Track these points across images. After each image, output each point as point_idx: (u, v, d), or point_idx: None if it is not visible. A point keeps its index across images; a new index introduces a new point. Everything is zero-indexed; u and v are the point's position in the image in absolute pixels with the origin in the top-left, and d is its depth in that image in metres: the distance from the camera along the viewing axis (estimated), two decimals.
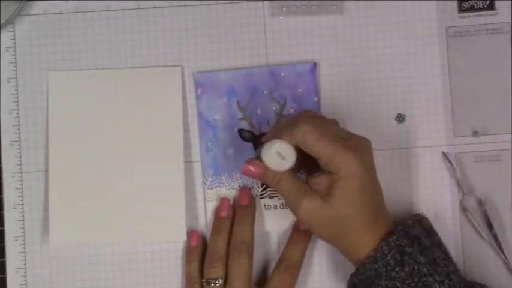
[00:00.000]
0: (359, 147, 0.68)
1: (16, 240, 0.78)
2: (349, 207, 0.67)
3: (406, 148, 0.78)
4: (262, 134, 0.78)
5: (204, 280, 0.75)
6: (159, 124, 0.78)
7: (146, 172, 0.77)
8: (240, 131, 0.78)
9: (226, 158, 0.78)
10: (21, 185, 0.79)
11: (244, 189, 0.77)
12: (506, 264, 0.77)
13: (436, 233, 0.72)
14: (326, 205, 0.67)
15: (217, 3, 0.79)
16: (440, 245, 0.71)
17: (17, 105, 0.79)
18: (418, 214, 0.73)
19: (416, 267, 0.67)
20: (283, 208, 0.78)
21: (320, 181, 0.68)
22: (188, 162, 0.78)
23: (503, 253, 0.76)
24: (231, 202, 0.78)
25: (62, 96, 0.79)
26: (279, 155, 0.68)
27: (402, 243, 0.68)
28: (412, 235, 0.68)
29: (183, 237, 0.77)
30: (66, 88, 0.79)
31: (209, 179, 0.78)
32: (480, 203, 0.77)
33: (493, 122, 0.78)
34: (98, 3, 0.79)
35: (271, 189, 0.78)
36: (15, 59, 0.79)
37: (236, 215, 0.77)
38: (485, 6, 0.78)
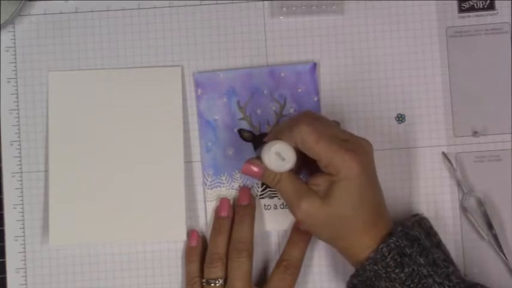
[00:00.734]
0: (359, 148, 0.68)
1: (16, 240, 0.78)
2: (348, 208, 0.67)
3: (406, 148, 0.78)
4: (262, 134, 0.78)
5: (204, 280, 0.75)
6: (159, 124, 0.78)
7: (146, 172, 0.77)
8: (240, 131, 0.78)
9: (226, 158, 0.78)
10: (21, 185, 0.79)
11: (244, 189, 0.77)
12: (506, 264, 0.77)
13: (436, 233, 0.72)
14: (325, 206, 0.67)
15: (217, 3, 0.79)
16: (440, 245, 0.71)
17: (17, 105, 0.79)
18: (418, 214, 0.73)
19: (416, 268, 0.67)
20: (283, 208, 0.78)
21: (320, 182, 0.68)
22: (188, 162, 0.78)
23: (503, 253, 0.76)
24: (231, 202, 0.78)
25: (62, 96, 0.79)
26: (278, 156, 0.68)
27: (402, 245, 0.68)
28: (411, 236, 0.68)
29: (183, 237, 0.77)
30: (66, 88, 0.79)
31: (209, 179, 0.78)
32: (480, 203, 0.77)
33: (493, 122, 0.78)
34: (98, 3, 0.79)
35: (271, 189, 0.78)
36: (15, 59, 0.79)
37: (236, 215, 0.77)
38: (485, 6, 0.78)
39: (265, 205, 0.78)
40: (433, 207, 0.78)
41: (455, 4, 0.79)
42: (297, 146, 0.68)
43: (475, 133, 0.78)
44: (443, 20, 0.79)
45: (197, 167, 0.79)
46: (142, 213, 0.77)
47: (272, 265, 0.77)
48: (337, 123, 0.72)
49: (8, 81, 0.79)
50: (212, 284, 0.74)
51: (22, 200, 0.78)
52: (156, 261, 0.78)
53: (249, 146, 0.78)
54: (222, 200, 0.77)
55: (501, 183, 0.77)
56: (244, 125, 0.78)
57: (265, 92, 0.78)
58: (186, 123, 0.78)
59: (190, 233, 0.77)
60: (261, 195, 0.78)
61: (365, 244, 0.69)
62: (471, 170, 0.78)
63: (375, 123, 0.78)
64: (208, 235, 0.78)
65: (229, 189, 0.78)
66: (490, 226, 0.77)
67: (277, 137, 0.69)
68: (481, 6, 0.78)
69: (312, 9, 0.79)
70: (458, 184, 0.77)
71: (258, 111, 0.78)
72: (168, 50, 0.79)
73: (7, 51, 0.79)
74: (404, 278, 0.67)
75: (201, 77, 0.79)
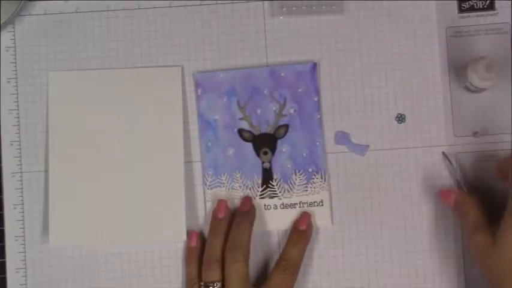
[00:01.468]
0: None
1: (16, 240, 0.78)
2: None
3: (406, 148, 0.78)
4: (262, 134, 0.78)
5: (202, 283, 0.74)
6: (159, 124, 0.78)
7: (146, 172, 0.77)
8: (240, 131, 0.78)
9: (226, 158, 0.78)
10: (21, 185, 0.79)
11: (247, 198, 0.78)
12: None
13: None
14: (496, 246, 0.68)
15: (217, 3, 0.79)
16: None
17: (17, 105, 0.79)
18: None
19: None
20: (283, 208, 0.78)
21: (500, 223, 0.69)
22: (188, 162, 0.78)
23: None
24: (228, 204, 0.77)
25: (62, 96, 0.79)
26: (485, 70, 0.72)
27: None
28: None
29: (183, 237, 0.77)
30: (66, 88, 0.79)
31: (209, 179, 0.78)
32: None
33: (493, 122, 0.78)
34: (98, 3, 0.79)
35: (271, 189, 0.78)
36: (15, 59, 0.79)
37: (235, 218, 0.77)
38: (485, 6, 0.78)
39: (265, 205, 0.78)
40: (433, 207, 0.78)
41: (455, 4, 0.79)
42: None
43: (475, 133, 0.78)
44: (443, 20, 0.79)
45: (197, 167, 0.79)
46: (142, 213, 0.77)
47: (272, 265, 0.77)
48: None
49: (8, 81, 0.79)
50: (210, 287, 0.74)
51: (22, 200, 0.79)
52: (156, 261, 0.78)
53: (249, 146, 0.78)
54: (220, 202, 0.77)
55: (501, 183, 0.77)
56: (244, 125, 0.78)
57: (265, 92, 0.78)
58: (186, 123, 0.78)
59: (190, 233, 0.77)
60: (261, 195, 0.78)
61: None
62: (471, 170, 0.78)
63: (374, 123, 0.78)
64: (207, 236, 0.78)
65: (229, 189, 0.78)
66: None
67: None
68: (481, 6, 0.78)
69: (312, 9, 0.79)
70: (458, 184, 0.77)
71: (258, 111, 0.78)
72: (168, 50, 0.79)
73: (7, 51, 0.79)
74: None
75: (201, 77, 0.79)
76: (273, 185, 0.78)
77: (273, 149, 0.78)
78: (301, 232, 0.76)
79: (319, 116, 0.78)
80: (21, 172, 0.79)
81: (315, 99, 0.78)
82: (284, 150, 0.78)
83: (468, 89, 0.77)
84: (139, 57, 0.79)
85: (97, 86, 0.78)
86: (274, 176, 0.78)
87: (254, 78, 0.78)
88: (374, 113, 0.78)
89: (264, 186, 0.78)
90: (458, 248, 0.77)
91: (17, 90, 0.79)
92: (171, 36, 0.79)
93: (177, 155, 0.78)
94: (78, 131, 0.78)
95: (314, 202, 0.78)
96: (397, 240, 0.77)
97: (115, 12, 0.80)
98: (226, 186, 0.78)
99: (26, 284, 0.78)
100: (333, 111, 0.78)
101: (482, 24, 0.78)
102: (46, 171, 0.78)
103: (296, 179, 0.78)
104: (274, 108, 0.78)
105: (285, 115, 0.78)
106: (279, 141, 0.78)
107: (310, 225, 0.77)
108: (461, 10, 0.79)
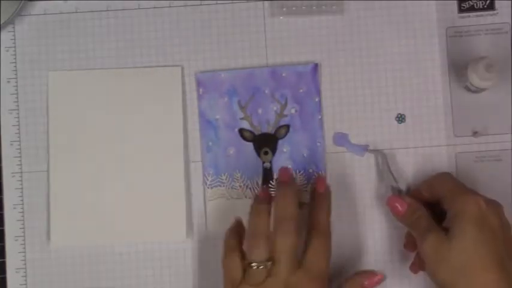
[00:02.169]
0: (484, 196, 0.70)
1: (16, 240, 0.78)
2: (470, 241, 0.67)
3: (406, 148, 0.78)
4: (263, 134, 0.78)
5: (248, 262, 0.69)
6: (159, 124, 0.78)
7: (146, 172, 0.77)
8: (241, 131, 0.78)
9: (227, 158, 0.78)
10: (21, 185, 0.79)
11: (285, 169, 0.75)
12: None
13: None
14: (449, 240, 0.68)
15: (217, 3, 0.79)
16: None
17: (17, 105, 0.79)
18: None
19: None
20: None
21: (446, 223, 0.70)
22: (188, 162, 0.78)
23: None
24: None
25: (62, 96, 0.79)
26: (486, 70, 0.72)
27: None
28: None
29: (183, 237, 0.77)
30: (66, 88, 0.79)
31: (209, 179, 0.78)
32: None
33: (493, 122, 0.78)
34: (98, 3, 0.79)
35: (271, 189, 0.78)
36: (15, 59, 0.79)
37: (277, 190, 0.73)
38: (485, 6, 0.78)
39: None
40: None
41: (455, 4, 0.79)
42: (431, 186, 0.73)
43: (475, 133, 0.78)
44: (443, 20, 0.79)
45: (197, 167, 0.79)
46: (143, 213, 0.77)
47: None
48: None
49: (8, 81, 0.79)
50: (259, 267, 0.69)
51: (22, 200, 0.78)
52: (156, 261, 0.78)
53: (250, 145, 0.78)
54: (263, 189, 0.77)
55: (501, 183, 0.77)
56: (245, 125, 0.78)
57: (266, 92, 0.78)
58: (186, 122, 0.78)
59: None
60: None
61: (490, 283, 0.66)
62: (471, 170, 0.78)
63: (374, 123, 0.78)
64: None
65: (229, 189, 0.78)
66: None
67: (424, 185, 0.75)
68: (481, 6, 0.78)
69: (312, 9, 0.79)
70: (396, 189, 0.77)
71: (259, 111, 0.78)
72: (168, 50, 0.79)
73: (7, 51, 0.79)
74: None
75: (203, 76, 0.79)
76: (274, 185, 0.78)
77: (274, 149, 0.78)
78: (321, 195, 0.75)
79: (320, 117, 0.78)
80: (21, 172, 0.79)
81: (316, 99, 0.78)
82: (285, 150, 0.78)
83: (468, 89, 0.77)
84: (140, 57, 0.79)
85: (97, 86, 0.78)
86: (275, 176, 0.78)
87: (255, 78, 0.78)
88: (374, 113, 0.78)
89: (264, 186, 0.78)
90: None
91: (17, 90, 0.79)
92: (171, 36, 0.79)
93: (177, 155, 0.78)
94: (78, 131, 0.78)
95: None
96: (397, 239, 0.77)
97: (115, 12, 0.80)
98: (227, 185, 0.78)
99: (26, 284, 0.78)
100: (333, 112, 0.78)
101: (482, 24, 0.78)
102: (46, 171, 0.78)
103: (296, 179, 0.78)
104: (275, 108, 0.78)
105: (286, 115, 0.78)
106: (280, 142, 0.78)
107: (327, 186, 0.75)
108: (461, 10, 0.79)
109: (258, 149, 0.78)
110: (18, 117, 0.79)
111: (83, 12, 0.79)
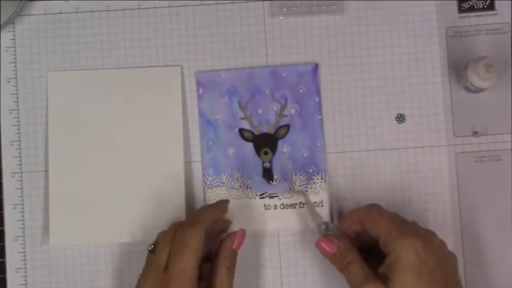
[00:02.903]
0: (419, 233, 0.67)
1: (16, 240, 0.78)
2: None
3: (406, 148, 0.78)
4: (263, 134, 0.78)
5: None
6: (159, 124, 0.78)
7: (146, 172, 0.77)
8: (241, 131, 0.78)
9: (227, 158, 0.78)
10: (21, 185, 0.79)
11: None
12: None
13: None
14: None
15: (217, 3, 0.79)
16: None
17: (17, 105, 0.79)
18: None
19: None
20: (283, 208, 0.78)
21: (381, 269, 0.68)
22: (188, 162, 0.78)
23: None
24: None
25: (61, 96, 0.79)
26: (485, 70, 0.71)
27: None
28: None
29: None
30: (66, 88, 0.79)
31: (209, 178, 0.78)
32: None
33: (493, 122, 0.78)
34: (98, 3, 0.79)
35: (271, 189, 0.78)
36: (15, 59, 0.79)
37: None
38: (485, 6, 0.78)
39: (265, 205, 0.78)
40: (433, 207, 0.78)
41: (455, 4, 0.79)
42: (361, 226, 0.70)
43: (475, 133, 0.78)
44: (443, 20, 0.79)
45: (197, 167, 0.79)
46: (143, 213, 0.77)
47: (271, 265, 0.77)
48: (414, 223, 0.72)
49: (8, 81, 0.79)
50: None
51: (22, 200, 0.78)
52: None
53: (250, 145, 0.78)
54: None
55: (501, 183, 0.77)
56: (245, 125, 0.78)
57: (266, 92, 0.78)
58: (186, 122, 0.78)
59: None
60: (261, 195, 0.78)
61: None
62: (471, 170, 0.78)
63: (374, 123, 0.78)
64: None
65: (229, 189, 0.78)
66: None
67: (350, 214, 0.72)
68: (481, 6, 0.78)
69: (312, 9, 0.79)
70: (325, 229, 0.74)
71: (259, 111, 0.78)
72: (168, 50, 0.79)
73: (7, 51, 0.79)
74: None
75: (203, 76, 0.79)
76: (273, 185, 0.78)
77: (274, 149, 0.78)
78: (232, 252, 0.73)
79: (320, 117, 0.78)
80: (21, 172, 0.79)
81: (316, 99, 0.78)
82: (285, 150, 0.78)
83: (468, 89, 0.77)
84: (140, 57, 0.79)
85: (97, 86, 0.78)
86: (275, 176, 0.78)
87: (255, 78, 0.78)
88: (374, 113, 0.79)
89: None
90: (458, 248, 0.77)
91: (17, 90, 0.79)
92: (171, 36, 0.79)
93: (177, 155, 0.78)
94: (78, 131, 0.78)
95: (314, 202, 0.78)
96: None
97: (115, 12, 0.80)
98: (227, 185, 0.78)
99: (26, 284, 0.78)
100: (333, 111, 0.78)
101: (482, 24, 0.78)
102: (46, 171, 0.78)
103: (296, 180, 0.78)
104: (275, 108, 0.78)
105: (286, 115, 0.78)
106: (280, 142, 0.78)
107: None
108: (461, 10, 0.79)
109: (258, 149, 0.78)
110: (18, 117, 0.79)
111: (83, 12, 0.79)
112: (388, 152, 0.78)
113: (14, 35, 0.79)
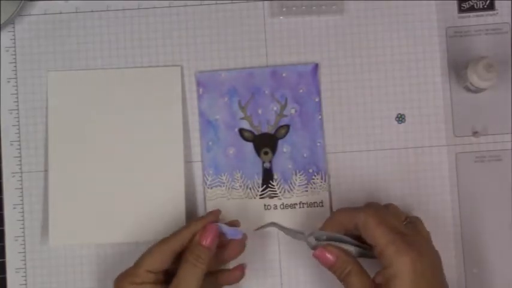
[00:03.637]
0: (415, 245, 0.67)
1: (16, 240, 0.78)
2: None
3: (406, 148, 0.78)
4: (263, 134, 0.78)
5: None
6: (159, 124, 0.78)
7: (146, 172, 0.77)
8: (241, 131, 0.78)
9: (227, 158, 0.78)
10: (21, 185, 0.79)
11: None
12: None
13: None
14: None
15: (217, 3, 0.79)
16: None
17: (17, 105, 0.79)
18: None
19: None
20: (283, 208, 0.78)
21: (379, 279, 0.67)
22: (188, 162, 0.78)
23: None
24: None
25: (61, 96, 0.79)
26: (486, 70, 0.71)
27: None
28: None
29: None
30: (66, 88, 0.79)
31: (209, 178, 0.78)
32: None
33: (493, 122, 0.78)
34: (98, 3, 0.79)
35: (271, 189, 0.78)
36: (15, 59, 0.79)
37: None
38: (485, 6, 0.78)
39: (265, 205, 0.78)
40: (433, 207, 0.78)
41: (455, 4, 0.79)
42: (356, 228, 0.69)
43: (475, 133, 0.78)
44: (443, 20, 0.79)
45: (197, 167, 0.79)
46: (143, 213, 0.77)
47: (270, 265, 0.77)
48: (394, 207, 0.72)
49: (8, 81, 0.79)
50: None
51: (22, 200, 0.78)
52: None
53: (250, 145, 0.78)
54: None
55: (501, 183, 0.77)
56: (245, 125, 0.78)
57: (266, 92, 0.78)
58: (186, 122, 0.78)
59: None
60: (261, 195, 0.78)
61: None
62: (471, 170, 0.78)
63: (374, 123, 0.78)
64: None
65: (229, 189, 0.78)
66: None
67: (338, 216, 0.71)
68: (481, 6, 0.78)
69: (312, 9, 0.79)
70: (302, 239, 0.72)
71: (259, 111, 0.78)
72: (168, 50, 0.79)
73: (7, 51, 0.79)
74: None
75: (203, 76, 0.79)
76: (273, 185, 0.78)
77: (274, 149, 0.78)
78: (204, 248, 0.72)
79: (320, 117, 0.78)
80: (21, 172, 0.79)
81: (316, 99, 0.78)
82: (285, 150, 0.78)
83: (468, 89, 0.77)
84: (140, 57, 0.79)
85: (97, 85, 0.78)
86: (275, 176, 0.78)
87: (256, 78, 0.78)
88: (374, 113, 0.79)
89: (264, 186, 0.78)
90: (458, 248, 0.77)
91: (17, 90, 0.79)
92: (171, 36, 0.79)
93: (177, 155, 0.78)
94: (78, 131, 0.78)
95: (314, 203, 0.78)
96: None
97: (115, 12, 0.80)
98: (227, 185, 0.78)
99: (26, 284, 0.78)
100: (333, 112, 0.78)
101: (482, 24, 0.78)
102: (46, 171, 0.78)
103: (296, 180, 0.78)
104: (275, 108, 0.78)
105: (286, 115, 0.78)
106: (280, 142, 0.78)
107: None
108: (461, 10, 0.79)
109: (258, 149, 0.78)
110: (18, 117, 0.79)
111: (83, 12, 0.79)
112: (388, 152, 0.78)
113: (14, 35, 0.79)
